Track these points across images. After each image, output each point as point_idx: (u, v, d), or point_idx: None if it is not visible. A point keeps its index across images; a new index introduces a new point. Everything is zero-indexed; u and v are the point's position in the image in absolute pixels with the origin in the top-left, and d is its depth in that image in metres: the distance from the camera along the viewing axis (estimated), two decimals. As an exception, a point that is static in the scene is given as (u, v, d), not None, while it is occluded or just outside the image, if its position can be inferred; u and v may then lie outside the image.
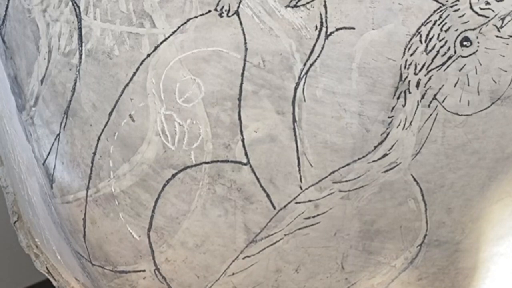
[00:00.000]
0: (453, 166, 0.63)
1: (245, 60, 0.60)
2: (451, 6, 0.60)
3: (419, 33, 0.60)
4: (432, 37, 0.60)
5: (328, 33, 0.60)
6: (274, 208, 0.62)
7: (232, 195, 0.62)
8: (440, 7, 0.60)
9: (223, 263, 0.64)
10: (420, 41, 0.60)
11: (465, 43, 0.60)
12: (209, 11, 0.60)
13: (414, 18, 0.60)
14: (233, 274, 0.64)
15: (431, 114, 0.61)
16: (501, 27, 0.60)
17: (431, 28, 0.60)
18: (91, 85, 0.61)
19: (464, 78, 0.61)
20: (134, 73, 0.60)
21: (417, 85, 0.60)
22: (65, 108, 0.62)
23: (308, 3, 0.60)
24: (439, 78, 0.60)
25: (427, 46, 0.60)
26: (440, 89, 0.61)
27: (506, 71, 0.61)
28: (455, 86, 0.61)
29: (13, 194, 0.75)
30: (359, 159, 0.62)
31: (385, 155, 0.62)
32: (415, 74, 0.60)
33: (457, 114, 0.61)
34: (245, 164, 0.61)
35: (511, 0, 0.60)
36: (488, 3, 0.60)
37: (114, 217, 0.63)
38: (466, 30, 0.60)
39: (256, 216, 0.62)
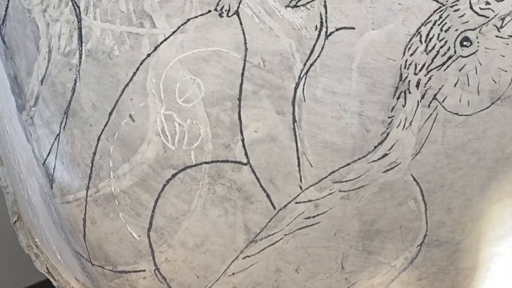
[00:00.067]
0: (453, 166, 0.63)
1: (245, 60, 0.60)
2: (451, 6, 0.60)
3: (419, 33, 0.60)
4: (432, 37, 0.60)
5: (328, 33, 0.60)
6: (274, 208, 0.62)
7: (232, 195, 0.62)
8: (440, 7, 0.60)
9: (223, 263, 0.64)
10: (420, 41, 0.60)
11: (465, 43, 0.60)
12: (209, 11, 0.60)
13: (414, 18, 0.60)
14: (233, 274, 0.64)
15: (431, 114, 0.61)
16: (501, 27, 0.60)
17: (431, 28, 0.60)
18: (91, 85, 0.61)
19: (464, 78, 0.61)
20: (134, 73, 0.60)
21: (417, 85, 0.60)
22: (65, 108, 0.62)
23: (308, 3, 0.60)
24: (439, 78, 0.60)
25: (427, 46, 0.60)
26: (440, 89, 0.61)
27: (506, 71, 0.61)
28: (455, 86, 0.61)
29: (13, 194, 0.75)
30: (359, 159, 0.62)
31: (385, 155, 0.62)
32: (415, 74, 0.60)
33: (457, 114, 0.61)
34: (245, 164, 0.61)
35: (511, 0, 0.60)
36: (488, 3, 0.60)
37: (114, 217, 0.63)
38: (466, 30, 0.60)
39: (256, 216, 0.62)
